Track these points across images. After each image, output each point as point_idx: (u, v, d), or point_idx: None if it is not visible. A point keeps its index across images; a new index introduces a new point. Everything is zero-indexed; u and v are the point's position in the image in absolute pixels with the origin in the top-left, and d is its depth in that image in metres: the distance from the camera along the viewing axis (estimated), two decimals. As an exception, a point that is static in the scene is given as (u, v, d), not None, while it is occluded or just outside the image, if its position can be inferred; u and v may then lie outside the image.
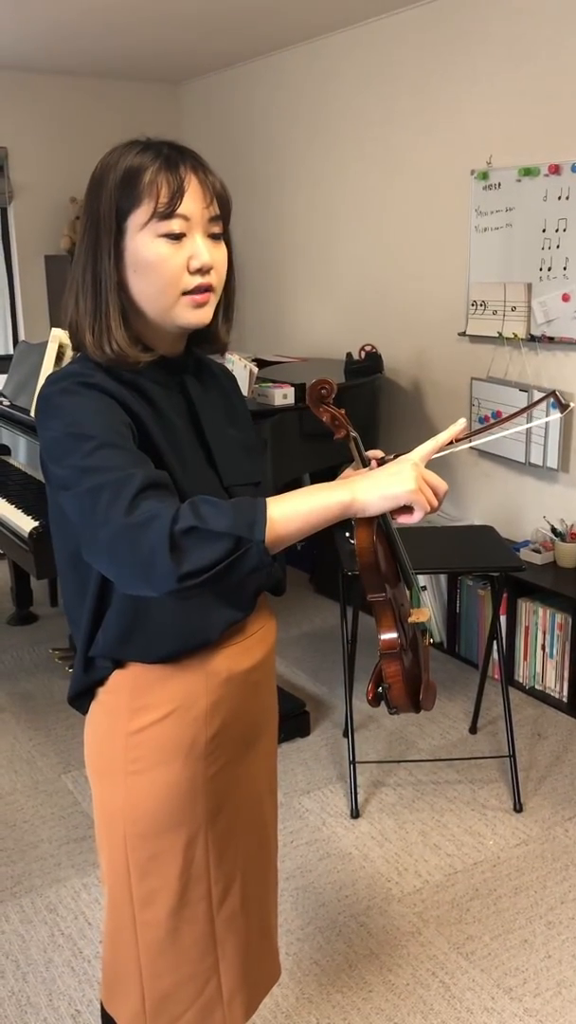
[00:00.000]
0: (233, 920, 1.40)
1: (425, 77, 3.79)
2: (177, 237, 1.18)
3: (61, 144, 5.06)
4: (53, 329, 3.07)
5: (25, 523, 2.84)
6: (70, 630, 1.37)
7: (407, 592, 1.44)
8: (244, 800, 1.41)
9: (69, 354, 2.93)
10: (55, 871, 2.49)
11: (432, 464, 1.21)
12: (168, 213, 1.17)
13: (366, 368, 3.96)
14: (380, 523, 1.33)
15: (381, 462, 1.32)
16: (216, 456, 1.30)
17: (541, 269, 3.38)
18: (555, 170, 3.26)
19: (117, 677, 1.30)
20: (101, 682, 1.32)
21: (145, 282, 1.19)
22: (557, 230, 3.29)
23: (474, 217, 3.61)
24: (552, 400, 1.08)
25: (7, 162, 4.98)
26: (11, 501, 3.04)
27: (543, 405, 2.98)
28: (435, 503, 1.16)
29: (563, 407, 1.15)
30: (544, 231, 3.34)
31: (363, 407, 3.83)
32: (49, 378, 1.21)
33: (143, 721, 1.30)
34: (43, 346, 3.11)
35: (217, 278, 1.23)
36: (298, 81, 4.47)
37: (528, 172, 3.35)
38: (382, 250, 4.16)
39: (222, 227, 1.23)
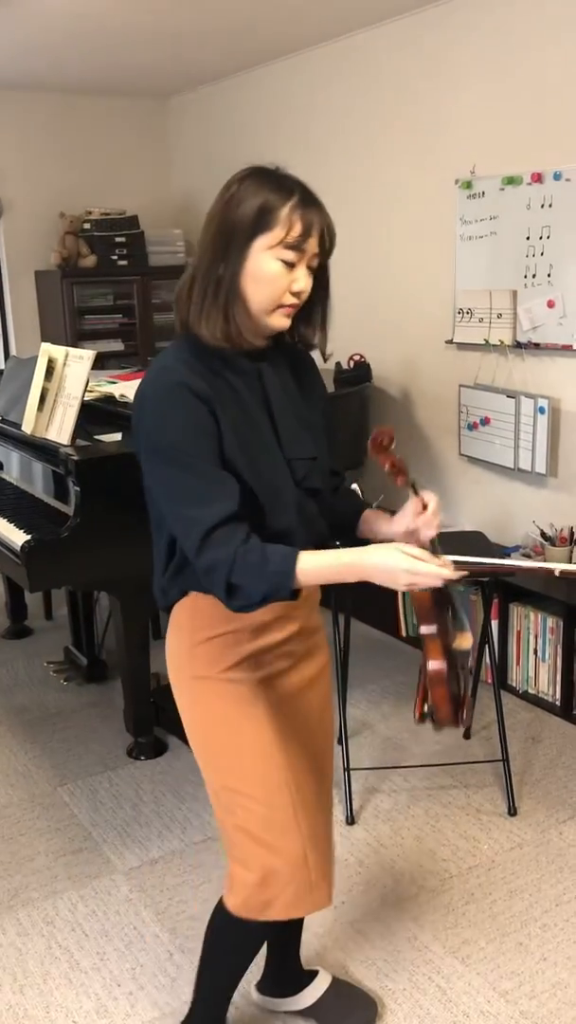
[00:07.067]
0: (307, 808, 1.67)
1: (409, 88, 3.82)
2: (291, 264, 1.49)
3: (50, 160, 5.10)
4: (43, 344, 3.08)
5: (18, 537, 2.85)
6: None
7: (450, 617, 1.59)
8: (293, 721, 1.70)
9: (59, 369, 2.95)
10: (52, 884, 2.50)
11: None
12: (294, 246, 1.47)
13: (355, 377, 3.98)
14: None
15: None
16: (280, 432, 1.58)
17: (526, 276, 3.41)
18: (538, 178, 3.29)
19: (183, 603, 1.65)
20: (170, 608, 1.68)
21: (257, 289, 1.50)
22: (541, 237, 3.33)
23: (459, 226, 3.65)
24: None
25: (-4, 179, 5.01)
26: (3, 515, 3.05)
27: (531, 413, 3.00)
28: (433, 582, 1.42)
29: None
30: (528, 239, 3.37)
31: (353, 416, 3.85)
32: (149, 372, 1.51)
33: (199, 638, 1.63)
34: (33, 361, 3.12)
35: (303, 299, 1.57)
36: (284, 94, 4.51)
37: (511, 181, 3.38)
38: (369, 260, 4.19)
39: (320, 261, 1.54)
